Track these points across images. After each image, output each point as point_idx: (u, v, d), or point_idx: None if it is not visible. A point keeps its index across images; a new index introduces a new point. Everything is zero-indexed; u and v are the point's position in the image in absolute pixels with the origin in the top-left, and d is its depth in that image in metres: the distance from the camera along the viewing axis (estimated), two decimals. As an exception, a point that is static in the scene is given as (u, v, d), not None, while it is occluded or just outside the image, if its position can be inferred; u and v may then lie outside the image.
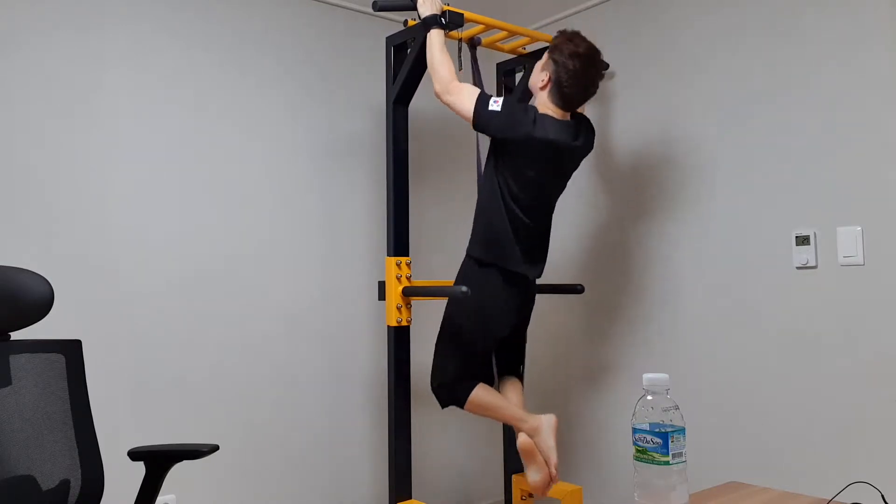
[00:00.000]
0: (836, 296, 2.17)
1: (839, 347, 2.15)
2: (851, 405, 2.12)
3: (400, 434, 2.35)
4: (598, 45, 2.90)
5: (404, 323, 2.35)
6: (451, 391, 2.24)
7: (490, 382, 2.35)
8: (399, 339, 2.37)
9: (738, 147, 2.43)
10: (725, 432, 2.43)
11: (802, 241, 2.23)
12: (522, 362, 2.43)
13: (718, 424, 2.45)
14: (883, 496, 1.18)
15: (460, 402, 2.23)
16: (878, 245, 2.08)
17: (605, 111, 2.89)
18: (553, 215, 2.33)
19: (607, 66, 2.19)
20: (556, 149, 2.14)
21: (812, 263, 2.21)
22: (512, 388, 2.36)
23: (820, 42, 2.23)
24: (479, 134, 2.31)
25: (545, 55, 2.21)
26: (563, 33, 2.21)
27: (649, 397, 1.13)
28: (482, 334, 2.23)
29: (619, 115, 2.83)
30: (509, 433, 2.72)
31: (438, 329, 2.33)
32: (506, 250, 2.18)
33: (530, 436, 2.14)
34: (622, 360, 2.78)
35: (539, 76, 2.21)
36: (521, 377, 2.42)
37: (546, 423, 2.15)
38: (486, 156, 2.31)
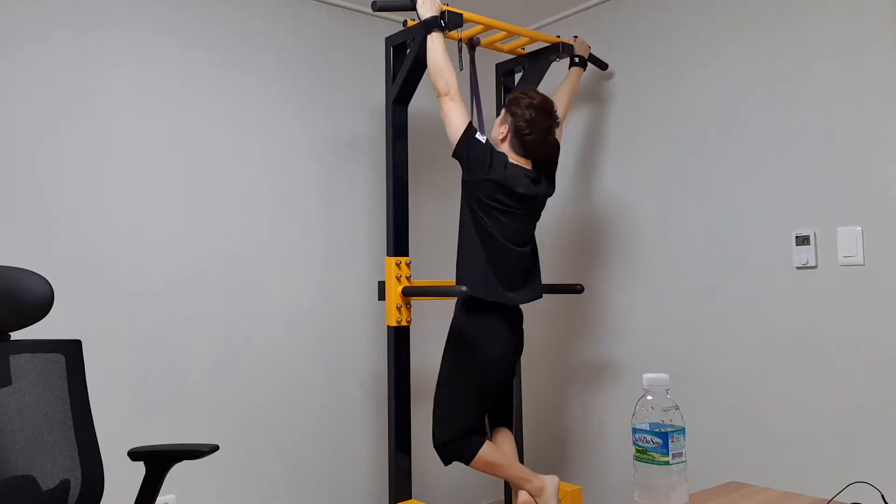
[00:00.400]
0: (836, 296, 2.17)
1: (839, 347, 2.15)
2: (851, 405, 2.12)
3: (400, 434, 2.35)
4: (597, 45, 2.91)
5: (404, 323, 2.35)
6: (456, 449, 2.21)
7: (482, 435, 2.33)
8: (399, 339, 2.37)
9: (738, 147, 2.43)
10: (725, 432, 2.43)
11: (802, 241, 2.23)
12: (512, 410, 2.42)
13: (718, 424, 2.45)
14: (883, 496, 1.18)
15: (466, 460, 2.21)
16: (878, 245, 2.08)
17: (605, 111, 2.89)
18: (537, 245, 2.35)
19: (558, 120, 2.27)
20: (522, 195, 2.19)
21: (812, 263, 2.21)
22: (506, 440, 2.35)
23: (820, 42, 2.23)
24: (476, 100, 2.48)
25: (503, 111, 2.29)
26: (519, 90, 2.30)
27: (649, 397, 1.13)
28: (483, 380, 2.20)
29: (619, 115, 2.83)
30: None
31: (436, 384, 2.29)
32: (486, 283, 2.18)
33: (533, 496, 2.17)
34: (622, 360, 2.78)
35: (498, 130, 2.28)
36: (511, 428, 2.41)
37: (550, 484, 2.19)
38: (481, 122, 2.42)
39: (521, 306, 2.40)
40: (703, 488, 2.43)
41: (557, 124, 2.28)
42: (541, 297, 2.31)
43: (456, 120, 2.19)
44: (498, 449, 2.24)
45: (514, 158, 2.24)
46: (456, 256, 2.28)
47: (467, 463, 2.21)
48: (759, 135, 2.37)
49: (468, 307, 2.24)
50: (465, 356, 2.23)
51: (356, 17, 2.95)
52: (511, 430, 2.40)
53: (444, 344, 3.08)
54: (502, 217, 2.19)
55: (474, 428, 2.22)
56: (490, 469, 2.22)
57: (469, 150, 2.17)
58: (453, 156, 2.22)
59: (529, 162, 2.26)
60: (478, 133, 2.20)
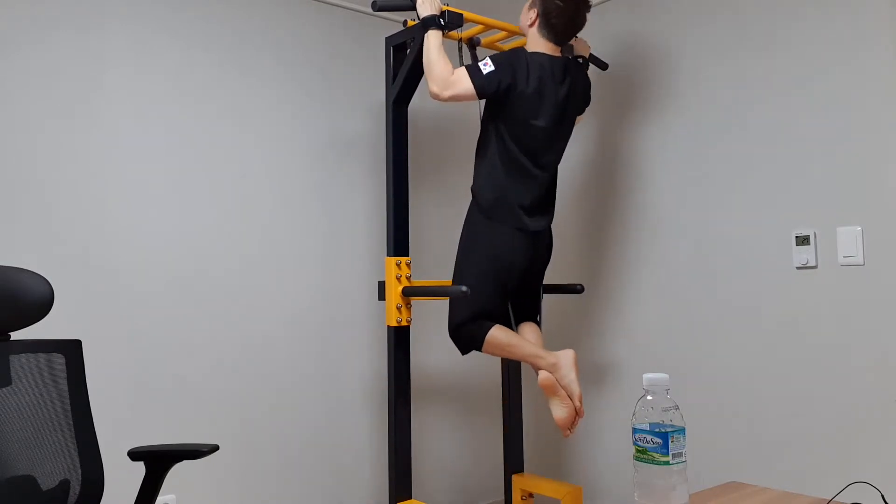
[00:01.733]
0: (836, 296, 2.17)
1: (839, 347, 2.15)
2: (851, 405, 2.12)
3: (400, 434, 2.35)
4: (598, 45, 2.91)
5: (404, 323, 2.35)
6: (468, 332, 2.24)
7: (494, 320, 2.35)
8: (399, 339, 2.37)
9: (738, 147, 2.43)
10: (725, 432, 2.43)
11: (802, 241, 2.23)
12: (539, 311, 2.43)
13: (718, 424, 2.45)
14: (883, 496, 1.18)
15: (478, 342, 2.23)
16: (878, 245, 2.08)
17: (604, 111, 2.89)
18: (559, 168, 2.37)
19: (589, 3, 2.26)
20: (550, 87, 2.19)
21: (812, 263, 2.21)
22: (530, 331, 2.37)
23: (820, 42, 2.23)
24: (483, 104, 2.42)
25: None
26: None
27: (649, 397, 1.13)
28: (494, 278, 2.23)
29: (618, 115, 2.83)
30: (509, 432, 2.71)
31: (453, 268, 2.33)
32: (505, 205, 2.21)
33: (550, 372, 2.14)
34: (622, 360, 2.78)
35: (527, 15, 2.28)
36: (538, 323, 2.41)
37: (564, 357, 2.14)
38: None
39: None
40: (703, 488, 2.43)
41: (588, 7, 2.26)
42: (552, 219, 2.34)
43: (463, 83, 2.16)
44: (508, 331, 2.24)
45: (541, 46, 2.24)
46: (473, 175, 2.28)
47: (480, 347, 2.23)
48: (760, 134, 2.37)
49: (484, 219, 2.24)
50: (478, 256, 2.25)
51: (356, 17, 2.95)
52: (537, 324, 2.41)
53: (443, 344, 3.09)
54: (528, 133, 2.19)
55: (485, 313, 2.23)
56: (501, 350, 2.22)
57: (488, 80, 2.15)
58: (480, 97, 2.18)
59: (558, 49, 2.26)
60: (481, 63, 2.17)
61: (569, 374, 2.12)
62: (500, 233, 2.23)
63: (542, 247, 2.33)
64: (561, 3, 2.20)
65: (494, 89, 2.16)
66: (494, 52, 3.17)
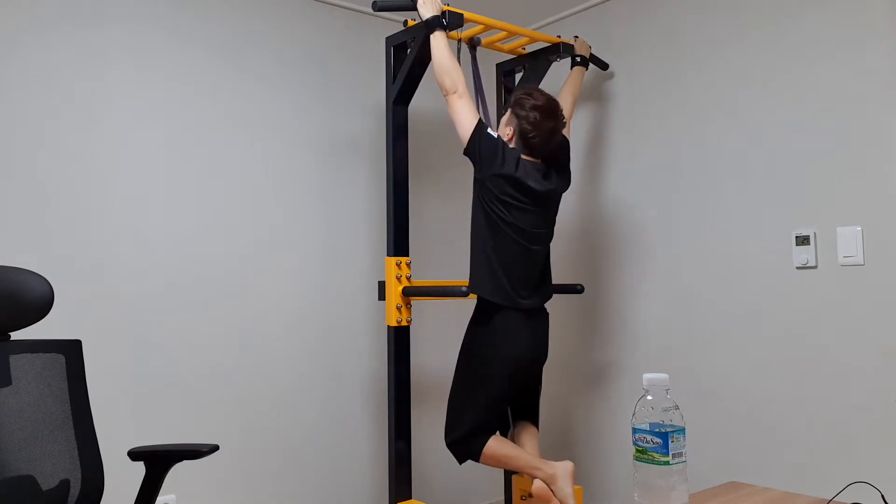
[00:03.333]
0: (836, 296, 2.17)
1: (839, 347, 2.15)
2: (851, 405, 2.12)
3: (400, 434, 2.35)
4: (597, 45, 2.91)
5: (404, 323, 2.35)
6: (465, 446, 2.23)
7: (505, 429, 2.35)
8: (399, 339, 2.37)
9: (738, 147, 2.43)
10: (725, 432, 2.43)
11: (802, 241, 2.23)
12: (538, 408, 2.41)
13: (718, 424, 2.45)
14: (883, 496, 1.18)
15: (475, 455, 2.22)
16: (878, 245, 2.08)
17: (605, 111, 2.89)
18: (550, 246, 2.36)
19: (564, 120, 2.26)
20: (534, 191, 2.19)
21: (812, 263, 2.21)
22: (527, 435, 2.34)
23: (820, 42, 2.23)
24: (481, 98, 2.49)
25: (508, 112, 2.27)
26: (523, 89, 2.29)
27: (649, 397, 1.13)
28: (492, 384, 2.20)
29: (619, 115, 2.83)
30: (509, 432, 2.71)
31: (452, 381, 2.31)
32: (497, 286, 2.18)
33: (547, 483, 2.13)
34: (622, 360, 2.78)
35: (504, 131, 2.27)
36: (535, 423, 2.40)
37: (562, 470, 2.13)
38: (488, 121, 2.44)
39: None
40: (703, 488, 2.43)
41: (563, 125, 2.26)
42: (550, 298, 2.31)
43: (466, 117, 2.18)
44: (505, 442, 2.23)
45: (523, 156, 2.23)
46: (469, 259, 2.27)
47: (477, 459, 2.22)
48: (760, 134, 2.37)
49: (483, 311, 2.23)
50: (475, 360, 2.23)
51: (356, 17, 2.95)
52: (534, 424, 2.39)
53: (443, 344, 3.09)
54: (516, 213, 2.17)
55: (482, 428, 2.22)
56: (499, 462, 2.22)
57: (481, 147, 2.16)
58: (465, 153, 2.20)
59: (539, 160, 2.25)
60: (489, 128, 2.19)
61: (565, 488, 2.11)
62: (496, 332, 2.19)
63: (540, 333, 2.28)
64: (536, 123, 2.18)
65: (476, 148, 2.16)
66: (497, 55, 3.17)
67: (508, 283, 2.18)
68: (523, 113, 2.20)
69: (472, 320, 2.27)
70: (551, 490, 2.13)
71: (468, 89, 2.23)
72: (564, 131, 2.37)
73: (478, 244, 2.22)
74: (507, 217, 2.17)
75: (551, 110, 2.21)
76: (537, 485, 2.14)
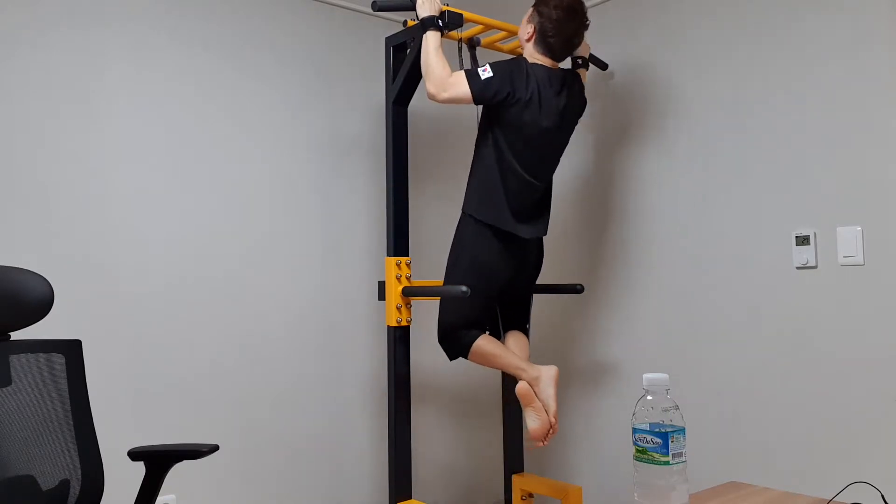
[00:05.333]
0: (836, 296, 2.17)
1: (839, 347, 2.15)
2: (851, 405, 2.12)
3: (400, 434, 2.35)
4: (598, 45, 2.91)
5: (404, 323, 2.35)
6: (455, 340, 2.27)
7: (496, 337, 2.38)
8: (399, 339, 2.37)
9: (738, 147, 2.43)
10: (725, 432, 2.43)
11: (802, 241, 2.23)
12: (528, 320, 2.44)
13: (718, 424, 2.45)
14: (883, 496, 1.18)
15: (464, 349, 2.25)
16: (878, 245, 2.08)
17: (604, 111, 2.89)
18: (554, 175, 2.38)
19: (587, 22, 2.24)
20: (547, 98, 2.18)
21: (812, 263, 2.21)
22: (516, 342, 2.38)
23: (820, 42, 2.23)
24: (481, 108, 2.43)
25: (531, 8, 2.26)
26: None
27: (649, 397, 1.13)
28: (481, 287, 2.25)
29: (618, 115, 2.83)
30: (509, 433, 2.71)
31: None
32: (497, 209, 2.21)
33: (530, 385, 2.16)
34: (622, 360, 2.78)
35: (525, 29, 2.27)
36: (526, 333, 2.43)
37: (546, 373, 2.17)
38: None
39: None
40: (703, 488, 2.43)
41: (586, 27, 2.24)
42: (546, 233, 2.34)
43: (460, 86, 2.15)
44: (495, 341, 2.26)
45: (538, 59, 2.22)
46: (466, 182, 2.29)
47: (466, 355, 2.25)
48: (759, 134, 2.37)
49: (476, 229, 2.24)
50: (465, 265, 2.25)
51: (356, 17, 2.95)
52: (524, 333, 2.42)
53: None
54: (525, 142, 2.18)
55: (470, 323, 2.25)
56: (485, 360, 2.24)
57: (483, 89, 2.14)
58: (476, 103, 2.17)
59: (555, 63, 2.24)
60: (480, 69, 2.16)
61: (547, 389, 2.14)
62: (485, 242, 2.23)
63: (530, 258, 2.34)
64: (558, 23, 2.18)
65: (491, 96, 2.16)
66: (496, 55, 3.17)
67: (510, 211, 2.20)
68: (546, 10, 2.18)
69: (463, 234, 2.27)
70: (534, 391, 2.15)
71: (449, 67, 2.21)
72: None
73: (480, 169, 2.24)
74: (512, 149, 2.18)
75: (575, 11, 2.19)
76: (521, 385, 2.16)
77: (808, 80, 2.25)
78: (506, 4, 3.08)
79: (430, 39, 2.23)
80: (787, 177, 2.29)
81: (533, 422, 2.16)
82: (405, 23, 2.45)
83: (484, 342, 2.24)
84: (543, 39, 2.20)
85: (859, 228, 2.12)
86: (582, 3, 2.22)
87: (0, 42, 2.15)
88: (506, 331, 2.44)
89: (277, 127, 2.70)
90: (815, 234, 2.21)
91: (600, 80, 2.91)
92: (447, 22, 2.27)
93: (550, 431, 2.16)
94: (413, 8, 2.31)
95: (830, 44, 2.20)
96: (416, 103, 3.07)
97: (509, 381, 2.71)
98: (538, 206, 2.30)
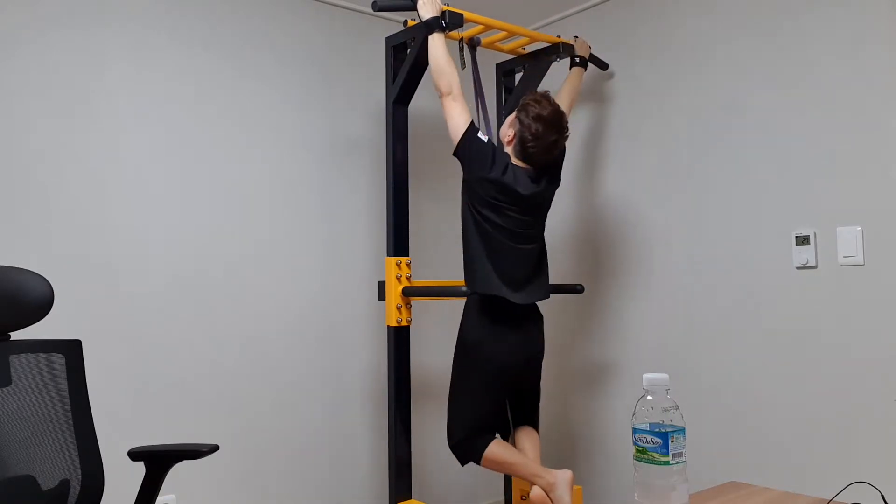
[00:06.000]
0: (836, 296, 2.17)
1: (839, 347, 2.15)
2: (851, 405, 2.12)
3: (400, 434, 2.35)
4: (598, 45, 2.91)
5: (404, 323, 2.35)
6: (467, 448, 2.23)
7: (506, 432, 2.35)
8: (399, 339, 2.37)
9: (738, 147, 2.43)
10: (725, 432, 2.43)
11: (802, 241, 2.23)
12: (537, 411, 2.41)
13: (718, 424, 2.45)
14: (883, 496, 1.18)
15: (477, 457, 2.22)
16: (878, 245, 2.08)
17: (605, 111, 2.89)
18: (545, 239, 2.35)
19: (567, 133, 2.25)
20: (522, 196, 2.19)
21: (812, 263, 2.21)
22: (528, 439, 2.34)
23: (820, 41, 2.23)
24: (480, 99, 2.52)
25: (514, 113, 2.26)
26: (532, 93, 2.27)
27: (649, 397, 1.13)
28: (488, 385, 2.21)
29: (618, 115, 2.83)
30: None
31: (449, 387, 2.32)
32: (487, 278, 2.18)
33: (546, 491, 2.13)
34: (622, 360, 2.78)
35: (506, 131, 2.28)
36: (535, 427, 2.39)
37: (562, 478, 2.13)
38: (486, 122, 2.46)
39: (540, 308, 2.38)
40: (703, 488, 2.43)
41: (565, 137, 2.25)
42: (548, 296, 2.30)
43: (458, 119, 2.20)
44: (507, 447, 2.23)
45: (516, 161, 2.24)
46: (463, 260, 2.28)
47: (478, 462, 2.22)
48: (759, 134, 2.37)
49: (476, 310, 2.23)
50: (469, 361, 2.23)
51: (356, 17, 2.95)
52: (535, 428, 2.38)
53: (443, 344, 3.09)
54: (503, 216, 2.19)
55: (481, 429, 2.22)
56: (499, 467, 2.21)
57: (471, 149, 2.18)
58: (454, 154, 2.21)
59: (532, 168, 2.25)
60: (479, 132, 2.21)
61: (563, 497, 2.11)
62: (489, 332, 2.19)
63: (533, 334, 2.28)
64: (537, 133, 2.17)
65: (466, 149, 2.17)
66: (497, 55, 3.17)
67: (499, 278, 2.18)
68: (526, 121, 2.19)
69: (464, 323, 2.27)
70: (550, 498, 2.14)
71: (463, 92, 2.24)
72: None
73: (467, 243, 2.24)
74: (493, 219, 2.18)
75: (555, 123, 2.19)
76: (535, 492, 2.14)
77: (808, 79, 2.25)
78: (506, 4, 3.07)
79: (438, 41, 2.24)
80: (787, 177, 2.29)
81: None
82: (405, 23, 2.45)
83: (497, 449, 2.20)
84: (522, 147, 2.21)
85: (859, 228, 2.12)
86: (562, 115, 2.21)
87: (0, 42, 2.15)
88: (515, 426, 2.39)
89: (277, 127, 2.70)
90: (815, 234, 2.21)
91: (600, 80, 2.91)
92: (448, 22, 2.28)
93: None
94: (413, 8, 2.31)
95: (830, 44, 2.20)
96: (416, 103, 3.07)
97: (509, 381, 2.70)
98: (533, 271, 2.26)
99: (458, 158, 2.22)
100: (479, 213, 2.19)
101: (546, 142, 2.19)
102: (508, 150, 2.26)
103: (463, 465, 2.27)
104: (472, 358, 2.22)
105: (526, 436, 2.35)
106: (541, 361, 2.35)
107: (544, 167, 2.27)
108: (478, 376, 2.21)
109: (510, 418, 2.39)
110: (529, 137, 2.18)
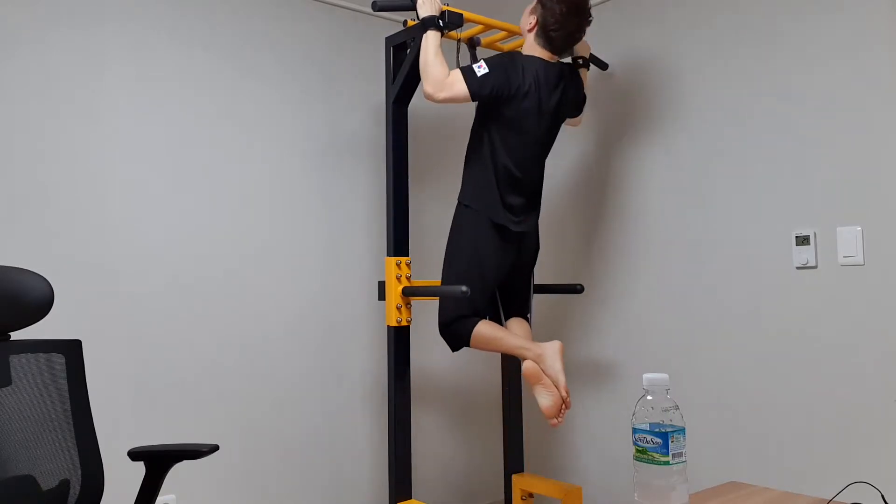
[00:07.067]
0: (836, 296, 2.17)
1: (839, 347, 2.15)
2: (851, 405, 2.12)
3: (400, 434, 2.35)
4: (598, 45, 2.91)
5: (404, 323, 2.35)
6: (455, 329, 2.25)
7: (497, 322, 2.38)
8: (399, 339, 2.37)
9: (738, 147, 2.43)
10: (725, 432, 2.43)
11: (802, 241, 2.23)
12: (529, 307, 2.43)
13: (718, 424, 2.45)
14: (883, 496, 1.18)
15: (465, 338, 2.24)
16: (878, 245, 2.08)
17: (604, 111, 2.89)
18: (545, 168, 2.40)
19: (590, 18, 2.26)
20: (543, 93, 2.19)
21: (812, 263, 2.21)
22: (518, 326, 2.38)
23: (820, 42, 2.23)
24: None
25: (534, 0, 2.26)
26: None
27: (649, 397, 1.13)
28: (480, 277, 2.25)
29: (618, 115, 2.83)
30: (509, 432, 2.71)
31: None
32: (490, 203, 2.22)
33: (536, 362, 2.14)
34: (622, 360, 2.78)
35: (527, 19, 2.27)
36: (527, 319, 2.42)
37: (551, 348, 2.14)
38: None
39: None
40: (703, 488, 2.43)
41: (589, 22, 2.25)
42: (535, 228, 2.36)
43: (457, 85, 2.15)
44: (495, 325, 2.24)
45: (537, 51, 2.23)
46: (462, 177, 2.30)
47: (467, 343, 2.24)
48: (759, 134, 2.37)
49: (472, 221, 2.25)
50: (462, 253, 2.26)
51: (356, 17, 2.95)
52: (526, 319, 2.41)
53: (443, 343, 3.09)
54: (524, 133, 2.19)
55: (472, 311, 2.25)
56: (487, 344, 2.23)
57: (480, 86, 2.14)
58: (474, 100, 2.17)
59: (553, 56, 2.25)
60: (475, 66, 2.16)
61: (554, 365, 2.11)
62: (482, 231, 2.23)
63: (527, 248, 2.35)
64: (561, 17, 2.18)
65: (488, 92, 2.16)
66: (493, 52, 3.17)
67: (503, 204, 2.22)
68: (550, 5, 2.18)
69: (461, 223, 2.28)
70: (541, 368, 2.13)
71: (447, 66, 2.20)
72: (574, 121, 2.42)
73: (474, 163, 2.25)
74: (511, 140, 2.19)
75: (578, 7, 2.19)
76: (527, 364, 2.14)
77: (809, 79, 2.25)
78: (506, 4, 3.07)
79: (431, 39, 2.23)
80: (787, 177, 2.29)
81: (545, 399, 2.12)
82: (405, 23, 2.45)
83: (484, 327, 2.23)
84: (545, 32, 2.21)
85: (859, 228, 2.12)
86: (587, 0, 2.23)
87: (0, 42, 2.15)
88: (507, 318, 2.43)
89: (277, 127, 2.70)
90: (815, 234, 2.21)
91: (600, 80, 2.91)
92: (447, 22, 2.27)
93: (563, 407, 2.12)
94: (413, 8, 2.31)
95: (830, 44, 2.20)
96: (416, 103, 3.07)
97: (509, 380, 2.71)
98: (529, 202, 2.31)
99: (481, 98, 2.16)
100: (497, 133, 2.19)
101: (571, 25, 2.19)
102: (529, 38, 2.26)
103: (453, 349, 2.29)
104: (463, 251, 2.25)
105: (516, 323, 2.39)
106: (533, 264, 2.40)
107: (568, 68, 2.28)
108: (468, 269, 2.24)
109: (501, 313, 2.42)
110: (552, 21, 2.18)
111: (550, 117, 2.27)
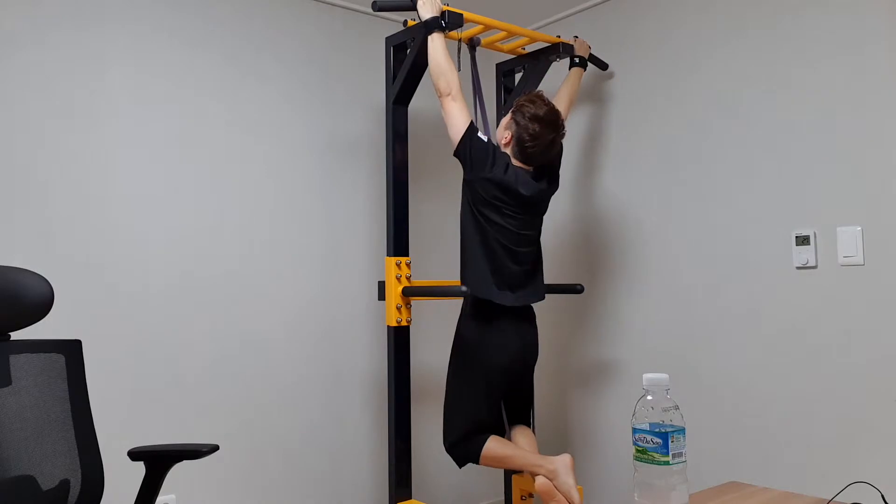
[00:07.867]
0: (836, 296, 2.17)
1: (839, 347, 2.15)
2: (851, 405, 2.12)
3: (400, 434, 2.35)
4: (597, 45, 2.91)
5: (404, 323, 2.35)
6: (463, 449, 2.24)
7: (501, 432, 2.35)
8: (399, 339, 2.37)
9: (738, 147, 2.43)
10: (725, 432, 2.43)
11: (802, 241, 2.23)
12: (531, 410, 2.42)
13: (718, 424, 2.45)
14: (883, 496, 1.18)
15: (474, 457, 2.23)
16: (878, 245, 2.08)
17: (605, 111, 2.89)
18: (541, 245, 2.36)
19: (563, 131, 2.24)
20: (522, 195, 2.20)
21: (812, 263, 2.21)
22: (523, 436, 2.35)
23: (820, 41, 2.23)
24: (479, 99, 2.52)
25: (509, 114, 2.26)
26: (526, 94, 2.27)
27: (649, 397, 1.13)
28: (484, 385, 2.22)
29: (619, 115, 2.83)
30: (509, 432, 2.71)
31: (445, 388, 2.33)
32: (483, 280, 2.20)
33: (549, 479, 2.13)
34: (622, 360, 2.78)
35: (502, 133, 2.28)
36: (530, 424, 2.40)
37: (562, 463, 2.13)
38: (484, 121, 2.46)
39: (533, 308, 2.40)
40: (703, 488, 2.43)
41: (562, 135, 2.25)
42: (543, 298, 2.31)
43: (458, 119, 2.20)
44: (504, 442, 2.24)
45: (515, 162, 2.24)
46: (459, 259, 2.28)
47: (476, 462, 2.23)
48: (759, 134, 2.37)
49: (471, 311, 2.24)
50: (466, 362, 2.24)
51: (356, 17, 2.95)
52: (528, 426, 2.40)
53: (443, 344, 3.09)
54: (503, 217, 2.19)
55: (477, 429, 2.23)
56: (499, 462, 2.22)
57: (471, 149, 2.18)
58: (455, 155, 2.22)
59: (531, 168, 2.26)
60: (479, 132, 2.21)
61: (567, 481, 2.11)
62: (485, 332, 2.21)
63: (527, 335, 2.29)
64: (535, 133, 2.18)
65: (466, 150, 2.18)
66: (497, 55, 3.17)
67: (495, 281, 2.20)
68: (523, 122, 2.19)
69: (460, 323, 2.28)
70: (554, 485, 2.13)
71: (463, 92, 2.24)
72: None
73: (465, 243, 2.24)
74: (494, 219, 2.19)
75: (552, 122, 2.20)
76: (540, 481, 2.13)
77: (808, 80, 2.25)
78: (506, 4, 3.07)
79: (437, 42, 2.23)
80: (787, 177, 2.29)
81: None
82: (405, 23, 2.45)
83: (494, 445, 2.21)
84: (520, 147, 2.21)
85: (859, 228, 2.12)
86: (558, 114, 2.22)
87: (0, 42, 2.15)
88: (510, 425, 2.40)
89: (278, 127, 2.70)
90: (815, 234, 2.21)
91: (600, 79, 2.91)
92: (448, 22, 2.28)
93: None
94: (413, 8, 2.31)
95: (831, 43, 2.20)
96: (416, 103, 3.07)
97: (509, 381, 2.70)
98: (529, 273, 2.27)
99: (459, 159, 2.22)
100: (480, 213, 2.20)
101: (545, 141, 2.19)
102: (507, 151, 2.27)
103: (461, 466, 2.27)
104: (467, 358, 2.24)
105: (521, 434, 2.36)
106: (535, 361, 2.36)
107: (543, 168, 2.28)
108: (473, 377, 2.22)
109: (505, 419, 2.39)
110: (527, 138, 2.19)
111: (532, 203, 2.24)
